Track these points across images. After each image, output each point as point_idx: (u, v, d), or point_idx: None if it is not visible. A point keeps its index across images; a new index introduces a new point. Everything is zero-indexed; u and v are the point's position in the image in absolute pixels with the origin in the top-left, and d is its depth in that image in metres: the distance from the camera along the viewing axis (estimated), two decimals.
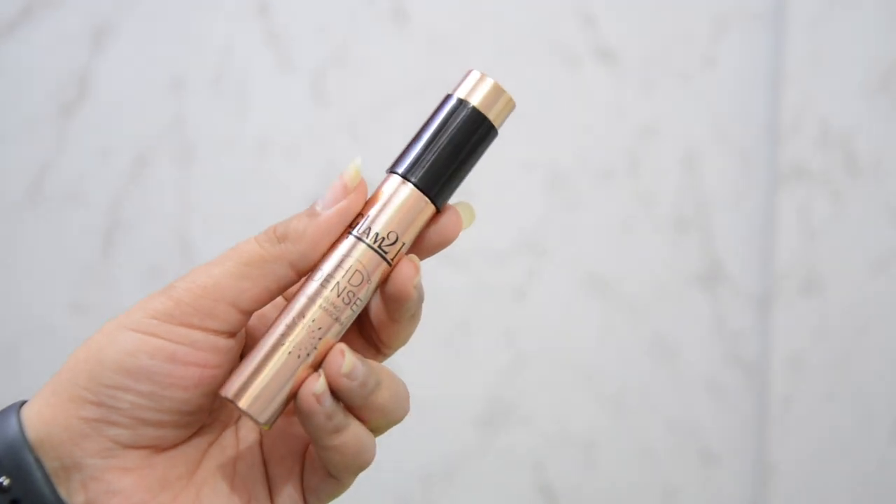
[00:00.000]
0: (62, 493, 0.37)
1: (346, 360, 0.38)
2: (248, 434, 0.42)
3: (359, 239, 0.39)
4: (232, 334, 0.39)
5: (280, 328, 0.39)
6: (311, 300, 0.39)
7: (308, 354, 0.39)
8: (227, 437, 0.42)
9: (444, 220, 0.41)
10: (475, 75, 0.41)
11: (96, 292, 0.90)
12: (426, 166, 0.40)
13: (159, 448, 0.39)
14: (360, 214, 0.40)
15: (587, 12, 0.92)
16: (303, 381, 0.39)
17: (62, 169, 0.89)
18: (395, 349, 0.42)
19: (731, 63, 0.93)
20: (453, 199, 0.42)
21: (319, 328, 0.39)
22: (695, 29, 0.93)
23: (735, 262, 0.95)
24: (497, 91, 0.41)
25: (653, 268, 0.95)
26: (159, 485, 0.38)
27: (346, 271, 0.39)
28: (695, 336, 0.95)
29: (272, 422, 0.39)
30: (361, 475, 0.41)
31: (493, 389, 0.95)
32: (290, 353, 0.39)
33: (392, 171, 0.41)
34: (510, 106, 0.41)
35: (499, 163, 0.92)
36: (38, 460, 0.36)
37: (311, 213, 0.39)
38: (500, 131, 0.42)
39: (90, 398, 0.37)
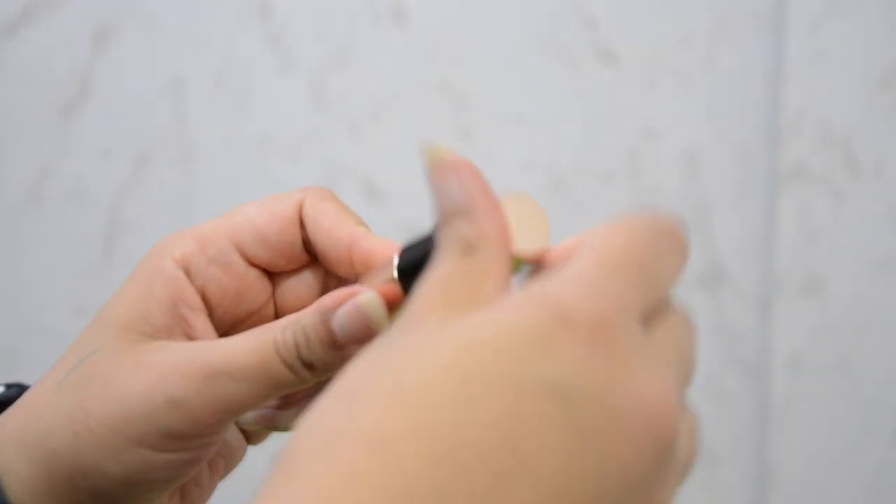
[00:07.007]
0: None
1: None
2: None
3: None
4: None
5: None
6: None
7: None
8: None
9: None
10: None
11: (97, 293, 0.90)
12: None
13: None
14: None
15: (588, 13, 0.92)
16: None
17: (63, 170, 0.89)
18: None
19: (731, 63, 0.93)
20: None
21: None
22: (695, 30, 0.93)
23: (735, 263, 0.95)
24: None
25: None
26: None
27: None
28: None
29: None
30: None
31: None
32: None
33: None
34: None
35: (499, 164, 0.92)
36: None
37: (335, 344, 0.35)
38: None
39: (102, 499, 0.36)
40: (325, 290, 0.39)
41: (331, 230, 0.37)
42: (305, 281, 0.39)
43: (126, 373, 0.36)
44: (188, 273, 0.38)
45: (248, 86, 0.90)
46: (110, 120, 0.89)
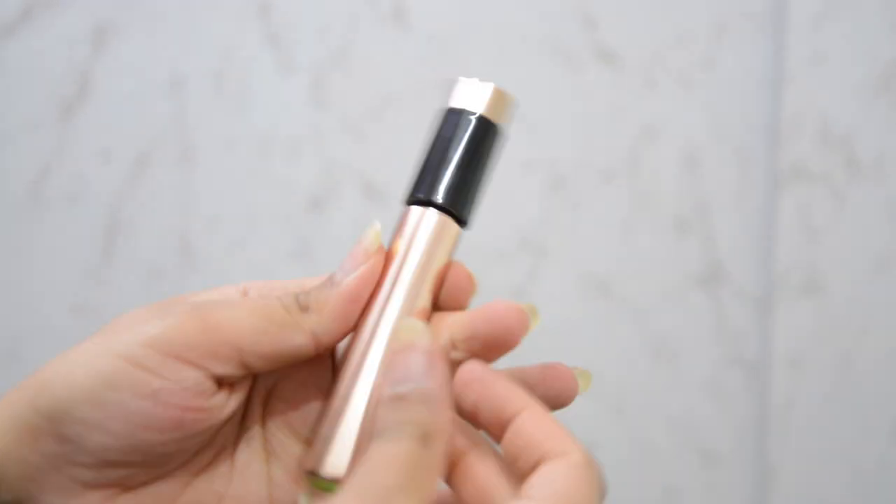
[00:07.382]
0: None
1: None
2: (249, 466, 0.37)
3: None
4: (222, 384, 0.35)
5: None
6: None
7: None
8: (220, 470, 0.37)
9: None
10: (471, 84, 0.40)
11: (97, 293, 0.90)
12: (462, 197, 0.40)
13: (126, 486, 0.35)
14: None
15: (587, 13, 0.92)
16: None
17: (62, 169, 0.89)
18: None
19: (731, 63, 0.93)
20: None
21: None
22: (695, 29, 0.93)
23: (735, 263, 0.95)
24: (499, 94, 0.40)
25: (653, 268, 0.95)
26: None
27: None
28: (695, 336, 0.95)
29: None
30: None
31: None
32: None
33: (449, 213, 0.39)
34: (512, 102, 0.41)
35: (499, 163, 0.92)
36: None
37: (332, 282, 0.36)
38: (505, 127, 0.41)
39: (53, 431, 0.33)
40: None
41: None
42: None
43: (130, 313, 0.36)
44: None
45: (248, 86, 0.90)
46: (110, 120, 0.89)
